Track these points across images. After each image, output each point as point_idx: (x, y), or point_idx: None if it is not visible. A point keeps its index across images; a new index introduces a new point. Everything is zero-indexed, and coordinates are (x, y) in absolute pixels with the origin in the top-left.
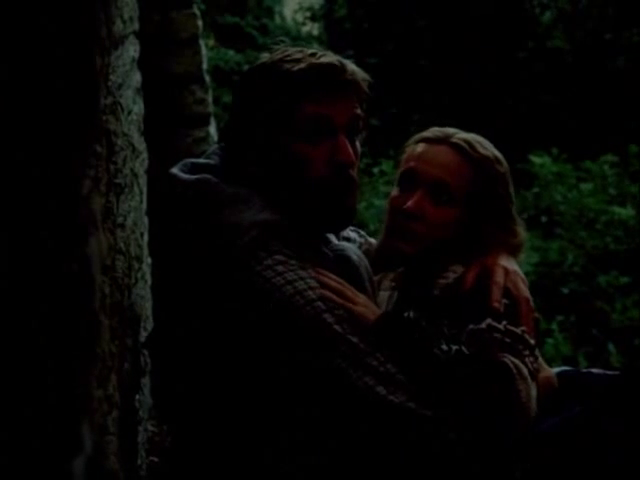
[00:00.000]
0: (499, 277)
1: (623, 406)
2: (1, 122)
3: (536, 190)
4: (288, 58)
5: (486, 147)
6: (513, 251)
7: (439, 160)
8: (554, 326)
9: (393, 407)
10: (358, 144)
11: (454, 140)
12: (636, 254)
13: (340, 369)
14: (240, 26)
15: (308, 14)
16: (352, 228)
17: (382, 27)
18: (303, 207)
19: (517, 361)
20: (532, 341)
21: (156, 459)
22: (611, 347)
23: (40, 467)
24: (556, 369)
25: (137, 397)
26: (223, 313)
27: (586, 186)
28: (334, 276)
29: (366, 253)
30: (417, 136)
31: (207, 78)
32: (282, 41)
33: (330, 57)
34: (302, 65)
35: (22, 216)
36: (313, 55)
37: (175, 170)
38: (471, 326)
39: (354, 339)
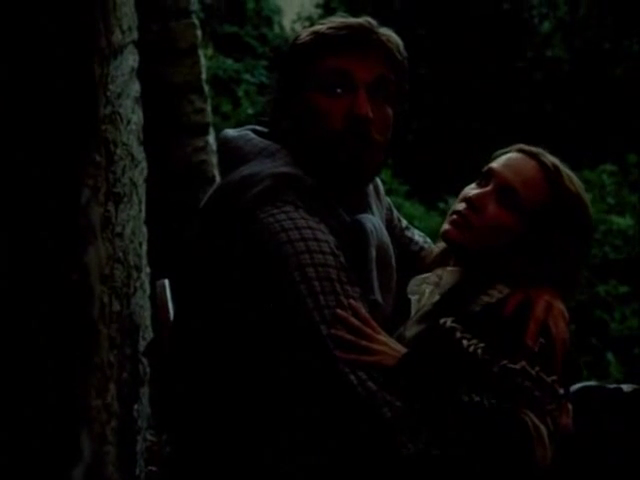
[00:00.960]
0: (540, 312)
1: (626, 410)
2: (1, 131)
3: None
4: (325, 22)
5: (573, 182)
6: (563, 292)
7: (519, 168)
8: None
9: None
10: (388, 109)
11: (544, 159)
12: (635, 263)
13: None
14: (239, 35)
15: (307, 24)
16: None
17: None
18: (321, 160)
19: (538, 422)
20: (561, 391)
21: (155, 468)
22: (610, 356)
23: (39, 476)
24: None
25: (136, 406)
26: (226, 290)
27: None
28: (360, 309)
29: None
30: (517, 145)
31: (206, 88)
32: (280, 50)
33: (367, 20)
34: (334, 24)
35: (21, 225)
36: (352, 19)
37: (228, 129)
38: (505, 362)
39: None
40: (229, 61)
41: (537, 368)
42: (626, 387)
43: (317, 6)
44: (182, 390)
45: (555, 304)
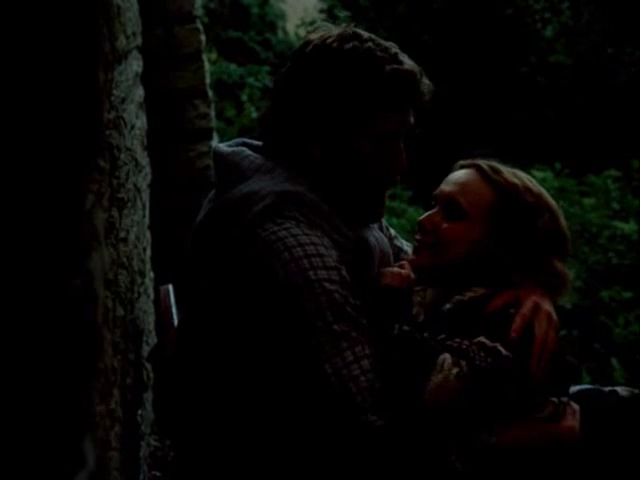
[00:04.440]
0: (527, 310)
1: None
2: (4, 136)
3: None
4: (372, 52)
5: (518, 177)
6: (553, 292)
7: (457, 180)
8: None
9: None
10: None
11: (480, 164)
12: (639, 269)
13: (316, 351)
14: (243, 41)
15: (311, 29)
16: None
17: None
18: (349, 198)
19: (451, 360)
20: (509, 356)
21: (158, 473)
22: (615, 362)
23: None
24: (574, 388)
25: (139, 412)
26: (229, 296)
27: (589, 201)
28: (361, 321)
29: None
30: (457, 163)
31: (210, 92)
32: (283, 56)
33: (408, 61)
34: (387, 69)
35: (24, 230)
36: (395, 57)
37: (219, 144)
38: (462, 340)
39: (338, 325)
40: (233, 66)
41: (498, 344)
42: (621, 390)
43: (321, 11)
44: (185, 395)
45: (543, 305)
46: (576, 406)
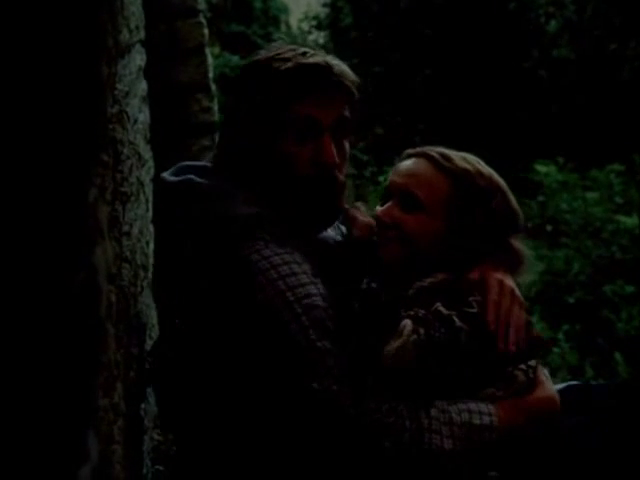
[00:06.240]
0: (495, 293)
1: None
2: (7, 131)
3: (541, 199)
4: (278, 57)
5: (469, 161)
6: (512, 269)
7: (408, 170)
8: (560, 335)
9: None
10: (347, 145)
11: (430, 152)
12: None
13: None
14: (246, 34)
15: (314, 23)
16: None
17: (387, 36)
18: (289, 204)
19: (411, 326)
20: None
21: (162, 468)
22: (618, 356)
23: (46, 476)
24: (561, 385)
25: (142, 406)
26: (215, 307)
27: (592, 195)
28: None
29: None
30: (404, 152)
31: (213, 86)
32: (281, 38)
33: (319, 57)
34: (289, 64)
35: (28, 225)
36: (303, 55)
37: (164, 173)
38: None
39: (319, 341)
40: (235, 58)
41: (455, 312)
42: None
43: (324, 5)
44: (183, 392)
45: (506, 281)
46: (545, 371)
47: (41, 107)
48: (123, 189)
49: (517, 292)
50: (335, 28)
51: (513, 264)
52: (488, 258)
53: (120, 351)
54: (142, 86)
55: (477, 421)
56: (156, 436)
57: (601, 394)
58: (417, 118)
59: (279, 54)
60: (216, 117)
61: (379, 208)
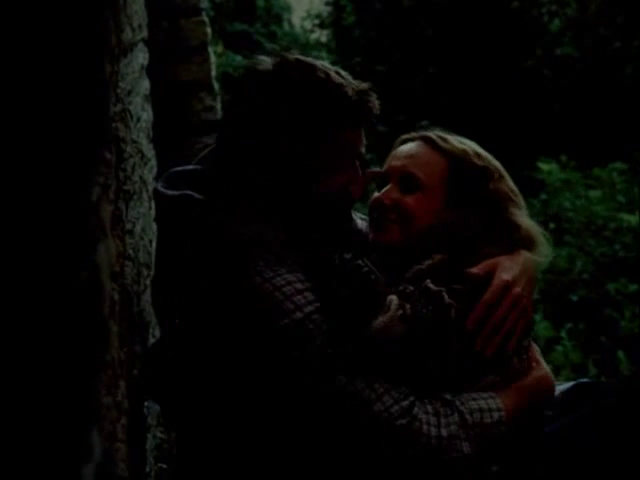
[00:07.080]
0: (491, 295)
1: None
2: (11, 129)
3: (544, 197)
4: (319, 76)
5: (464, 142)
6: (525, 245)
7: (405, 152)
8: (563, 334)
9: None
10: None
11: (427, 135)
12: None
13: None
14: (249, 33)
15: (317, 21)
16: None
17: (390, 34)
18: (304, 219)
19: (397, 302)
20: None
21: (165, 466)
22: (621, 355)
23: (50, 474)
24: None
25: (146, 404)
26: (215, 309)
27: (595, 193)
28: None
29: None
30: (398, 138)
31: (216, 85)
32: (289, 48)
33: (362, 86)
34: (349, 91)
35: (31, 223)
36: (342, 79)
37: (159, 186)
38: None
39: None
40: (238, 57)
41: (444, 289)
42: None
43: (327, 4)
44: (185, 391)
45: (515, 286)
46: (535, 346)
47: (45, 105)
48: (126, 187)
49: (524, 299)
50: (338, 27)
51: (524, 243)
52: (492, 242)
53: (123, 349)
54: (145, 84)
55: (488, 420)
56: (159, 434)
57: (607, 392)
58: (420, 116)
59: (317, 72)
60: (219, 116)
61: (377, 194)
